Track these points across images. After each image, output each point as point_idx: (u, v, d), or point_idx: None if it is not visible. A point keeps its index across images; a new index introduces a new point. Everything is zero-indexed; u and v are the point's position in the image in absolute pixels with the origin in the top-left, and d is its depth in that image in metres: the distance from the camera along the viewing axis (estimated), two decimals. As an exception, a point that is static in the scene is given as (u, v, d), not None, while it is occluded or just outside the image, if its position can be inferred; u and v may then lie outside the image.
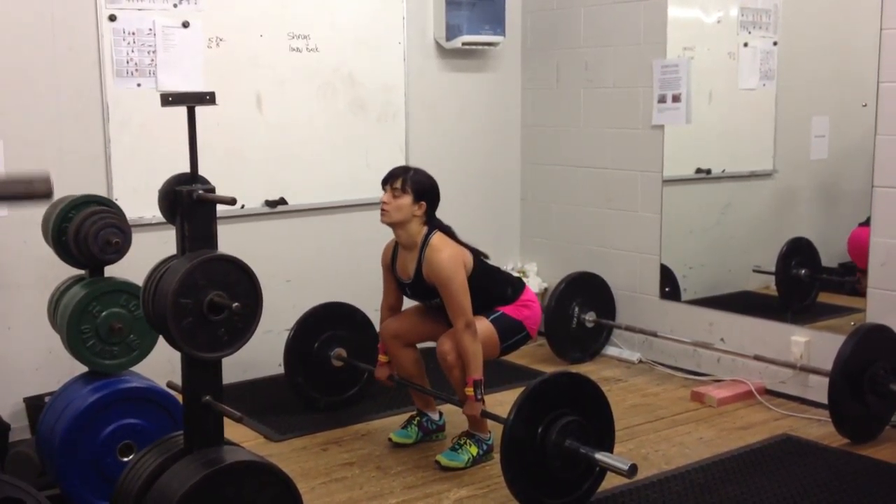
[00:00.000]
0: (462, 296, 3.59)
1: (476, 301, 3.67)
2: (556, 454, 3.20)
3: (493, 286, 3.83)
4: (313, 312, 4.36)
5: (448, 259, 3.61)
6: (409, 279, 3.77)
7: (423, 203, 3.68)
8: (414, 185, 3.67)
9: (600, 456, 3.21)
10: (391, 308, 3.97)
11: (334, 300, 4.47)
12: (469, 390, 3.61)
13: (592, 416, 3.34)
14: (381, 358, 4.04)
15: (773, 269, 5.07)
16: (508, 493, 3.49)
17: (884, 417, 4.04)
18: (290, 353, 4.31)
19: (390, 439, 3.99)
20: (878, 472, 3.65)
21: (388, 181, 3.70)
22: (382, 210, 3.69)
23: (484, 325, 3.71)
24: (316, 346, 4.33)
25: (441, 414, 4.07)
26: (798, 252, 5.02)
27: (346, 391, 4.42)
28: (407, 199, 3.65)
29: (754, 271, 5.30)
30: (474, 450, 3.74)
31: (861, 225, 4.51)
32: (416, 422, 4.03)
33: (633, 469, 3.14)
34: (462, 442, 3.75)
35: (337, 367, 4.34)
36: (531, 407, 3.24)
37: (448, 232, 3.75)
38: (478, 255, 3.78)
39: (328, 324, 4.36)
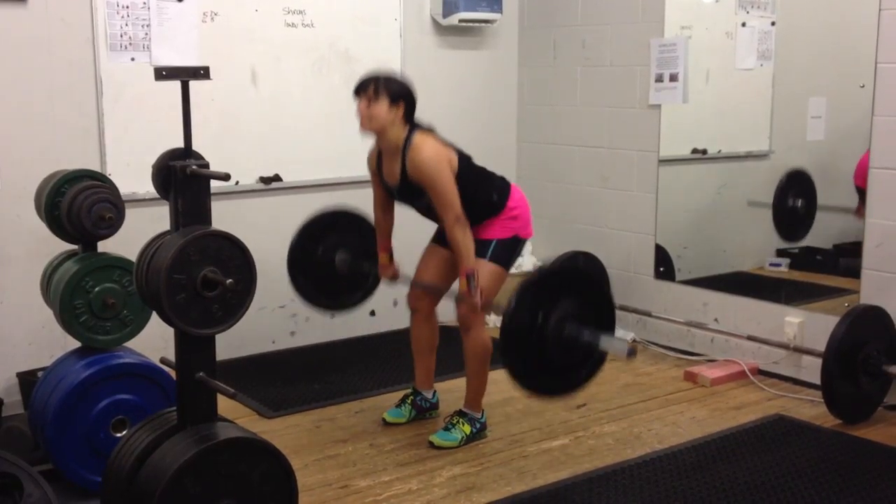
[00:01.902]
0: (449, 191, 3.54)
1: (465, 210, 3.61)
2: (556, 341, 3.09)
3: (479, 191, 3.70)
4: (319, 217, 4.21)
5: (431, 156, 3.54)
6: (395, 183, 3.70)
7: (401, 103, 3.60)
8: (387, 88, 3.58)
9: (601, 340, 3.10)
10: (382, 209, 3.93)
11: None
12: (463, 282, 3.57)
13: (593, 301, 3.21)
14: (382, 258, 3.98)
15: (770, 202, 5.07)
16: (502, 470, 3.51)
17: (876, 398, 4.05)
18: (294, 253, 4.18)
19: (384, 419, 3.99)
20: (870, 453, 3.67)
21: (359, 90, 3.62)
22: (361, 121, 3.62)
23: (486, 269, 3.66)
24: (320, 251, 4.17)
25: (435, 392, 4.07)
26: (797, 184, 4.97)
27: (351, 295, 4.28)
28: (383, 105, 3.57)
29: (749, 204, 5.27)
30: (467, 428, 3.74)
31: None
32: (409, 400, 4.03)
33: (632, 351, 3.11)
34: (455, 421, 3.76)
35: (341, 272, 4.18)
36: (532, 296, 3.12)
37: (430, 131, 3.67)
38: (462, 155, 3.70)
39: (333, 230, 4.21)
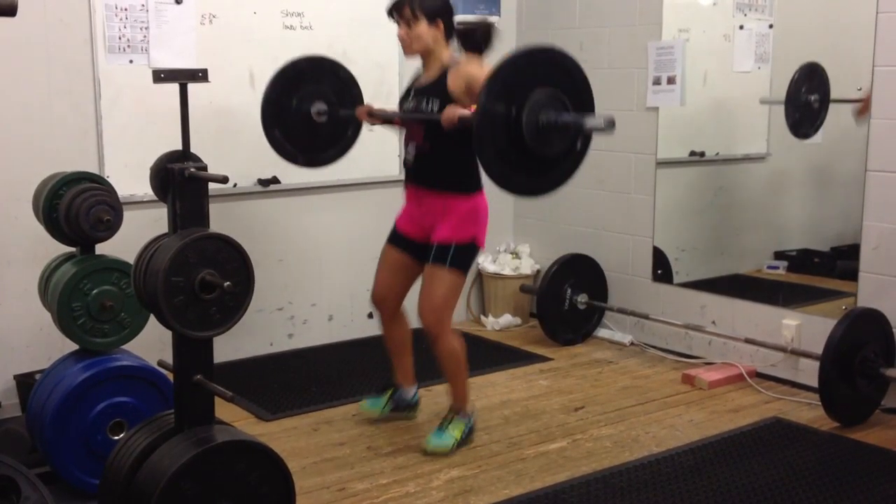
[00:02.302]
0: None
1: (445, 152, 3.57)
2: (532, 129, 2.98)
3: (469, 153, 3.45)
4: (294, 65, 4.06)
5: (482, 70, 3.44)
6: (428, 81, 3.62)
7: (440, 21, 3.56)
8: (423, 7, 3.54)
9: (585, 120, 3.03)
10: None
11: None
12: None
13: (567, 86, 3.10)
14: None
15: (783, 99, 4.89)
16: (500, 473, 3.51)
17: (874, 401, 4.05)
18: (268, 105, 4.01)
19: (359, 407, 4.02)
20: (867, 456, 3.67)
21: (393, 13, 3.57)
22: (403, 44, 3.58)
23: (445, 276, 3.62)
24: (295, 101, 4.03)
25: (416, 393, 4.06)
26: (810, 78, 4.84)
27: (327, 149, 4.14)
28: (423, 25, 3.54)
29: (761, 102, 5.20)
30: (458, 432, 3.72)
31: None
32: (388, 394, 4.04)
33: (611, 123, 2.98)
34: (448, 418, 3.74)
35: (318, 122, 4.07)
36: (500, 87, 2.98)
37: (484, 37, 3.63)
38: None
39: (310, 78, 4.08)
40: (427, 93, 3.61)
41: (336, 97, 4.10)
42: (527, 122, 2.96)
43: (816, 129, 4.85)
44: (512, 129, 2.99)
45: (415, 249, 3.78)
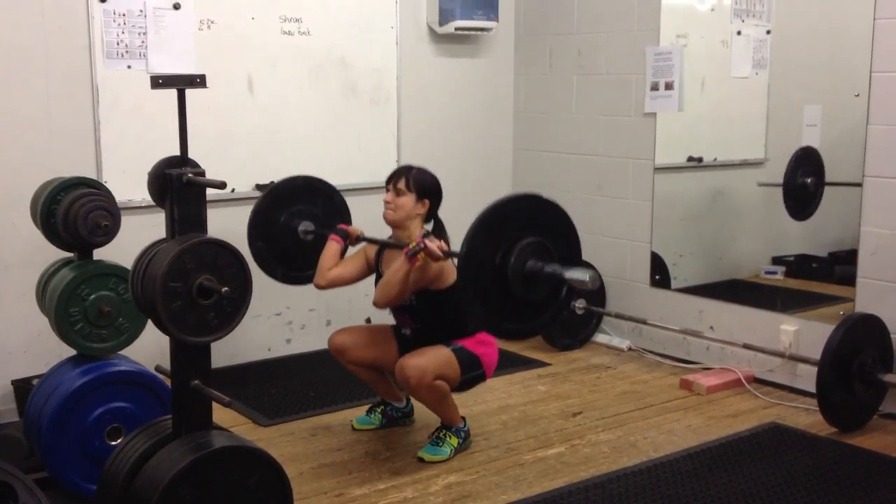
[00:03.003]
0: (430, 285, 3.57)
1: (438, 321, 3.66)
2: (518, 277, 2.97)
3: (460, 311, 3.53)
4: (289, 183, 4.07)
5: (439, 266, 3.55)
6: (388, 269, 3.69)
7: (427, 202, 3.68)
8: (417, 183, 3.66)
9: (570, 272, 2.99)
10: (339, 273, 3.79)
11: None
12: (404, 258, 3.47)
13: (555, 237, 3.11)
14: (334, 244, 3.84)
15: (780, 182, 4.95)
16: (498, 478, 3.51)
17: (871, 406, 4.05)
18: (257, 216, 3.99)
19: (352, 426, 3.99)
20: (865, 461, 3.67)
21: (391, 180, 3.70)
22: (386, 209, 3.68)
23: (444, 351, 3.61)
24: (283, 218, 4.01)
25: (408, 401, 4.05)
26: (805, 162, 4.89)
27: (307, 269, 4.04)
28: (410, 197, 3.65)
29: (759, 185, 5.23)
30: (455, 441, 3.71)
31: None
32: (379, 409, 4.03)
33: (595, 280, 2.97)
34: (442, 435, 3.73)
35: (304, 241, 4.04)
36: (485, 234, 2.98)
37: (441, 234, 3.68)
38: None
39: (303, 197, 4.07)
40: None
41: (326, 220, 4.07)
42: (513, 268, 2.97)
43: (813, 211, 4.93)
44: (497, 273, 2.99)
45: (406, 345, 3.76)
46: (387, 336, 3.89)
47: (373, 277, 3.85)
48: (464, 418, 3.81)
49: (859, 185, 4.22)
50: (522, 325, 3.14)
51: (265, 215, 4.01)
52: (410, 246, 3.46)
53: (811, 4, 5.02)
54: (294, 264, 4.08)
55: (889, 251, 4.11)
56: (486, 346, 3.72)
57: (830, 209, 5.10)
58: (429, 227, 3.75)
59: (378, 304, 3.59)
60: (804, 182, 4.87)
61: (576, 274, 3.00)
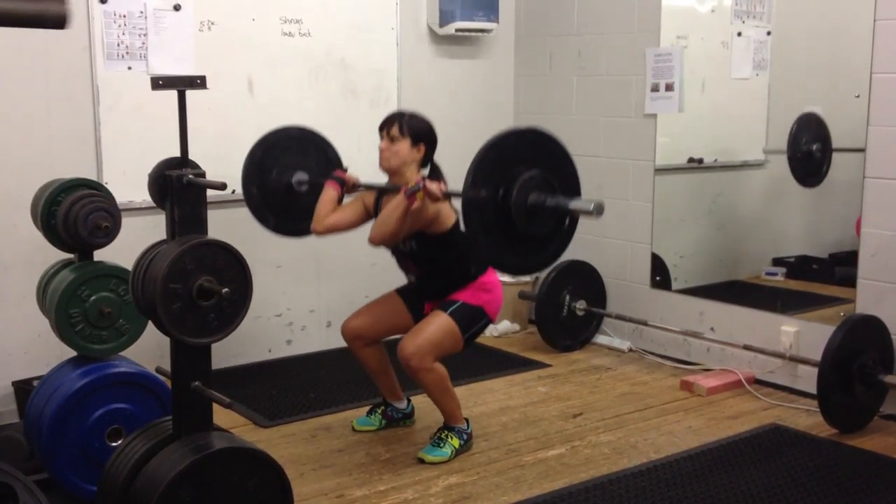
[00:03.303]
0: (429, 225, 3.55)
1: (441, 265, 3.66)
2: (521, 211, 2.99)
3: (462, 257, 3.70)
4: (283, 132, 4.06)
5: (436, 208, 3.54)
6: None
7: (422, 146, 3.64)
8: (411, 128, 3.63)
9: (573, 202, 3.04)
10: (337, 219, 3.78)
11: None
12: (403, 195, 3.45)
13: (554, 169, 3.13)
14: (331, 190, 3.82)
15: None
16: (498, 479, 3.51)
17: (872, 408, 4.05)
18: (251, 165, 4.02)
19: (353, 427, 3.99)
20: (865, 463, 3.67)
21: (384, 127, 3.66)
22: (381, 156, 3.64)
23: (443, 320, 3.63)
24: (277, 169, 4.04)
25: (409, 401, 4.06)
26: (808, 128, 4.85)
27: (301, 220, 4.04)
28: (405, 144, 3.62)
29: (765, 151, 5.20)
30: (456, 442, 3.71)
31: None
32: (380, 410, 4.03)
33: (600, 208, 2.99)
34: (444, 436, 3.73)
35: (298, 192, 4.04)
36: (487, 170, 2.99)
37: (438, 178, 3.65)
38: (459, 219, 3.67)
39: (297, 148, 4.07)
40: None
41: (319, 172, 4.05)
42: (515, 203, 2.99)
43: (822, 178, 4.88)
44: (500, 209, 3.01)
45: (417, 310, 3.79)
46: (394, 303, 3.88)
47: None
48: (467, 420, 3.81)
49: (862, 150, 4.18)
50: (528, 261, 3.16)
51: (259, 164, 4.01)
52: (409, 185, 3.44)
53: (811, 6, 5.02)
54: (288, 215, 4.07)
55: (889, 252, 4.10)
56: (489, 292, 3.72)
57: (831, 210, 5.10)
58: (425, 172, 3.71)
59: (374, 241, 3.55)
60: (809, 149, 4.82)
61: (579, 204, 3.02)
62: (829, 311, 4.56)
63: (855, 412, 4.00)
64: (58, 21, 2.08)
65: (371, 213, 3.80)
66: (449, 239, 3.64)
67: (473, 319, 3.69)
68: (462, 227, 3.41)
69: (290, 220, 4.10)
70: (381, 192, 3.79)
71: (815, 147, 4.81)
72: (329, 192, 3.80)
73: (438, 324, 3.62)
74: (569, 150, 3.23)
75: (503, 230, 3.03)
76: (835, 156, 4.85)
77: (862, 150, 4.20)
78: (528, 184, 3.01)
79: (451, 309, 3.66)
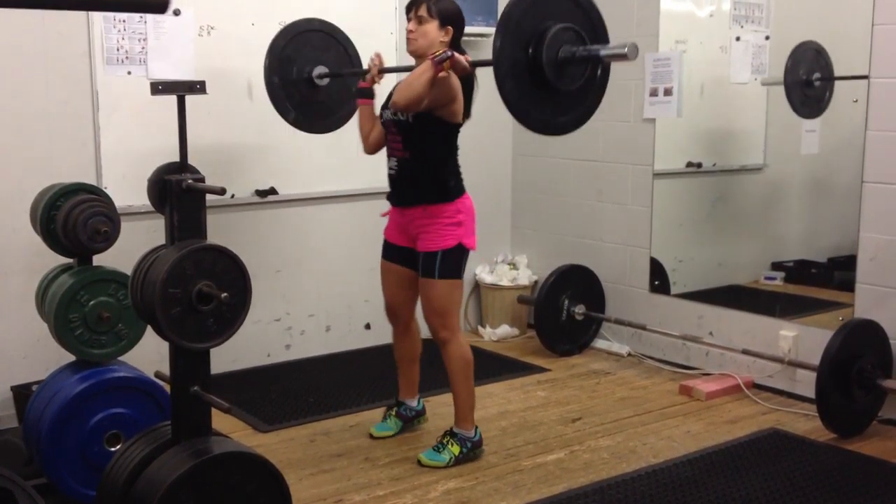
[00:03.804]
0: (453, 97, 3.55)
1: (427, 155, 3.64)
2: (553, 67, 2.95)
3: (448, 163, 3.69)
4: (306, 24, 4.14)
5: (456, 87, 3.54)
6: None
7: (450, 28, 3.61)
8: (439, 10, 3.59)
9: (603, 51, 3.01)
10: (374, 136, 3.83)
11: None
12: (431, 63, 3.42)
13: (581, 18, 3.09)
14: (364, 107, 3.87)
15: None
16: (497, 484, 3.51)
17: (871, 412, 4.05)
18: (272, 53, 4.08)
19: (371, 434, 3.98)
20: (864, 467, 3.67)
21: (411, 8, 3.64)
22: (409, 39, 3.63)
23: (439, 287, 3.63)
24: (298, 61, 4.12)
25: (420, 400, 4.07)
26: (804, 59, 4.80)
27: (322, 118, 4.15)
28: (433, 25, 3.58)
29: (763, 83, 5.15)
30: (456, 449, 3.70)
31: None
32: (394, 412, 4.03)
33: (634, 49, 2.96)
34: (445, 441, 3.72)
35: (318, 86, 4.13)
36: (513, 29, 2.96)
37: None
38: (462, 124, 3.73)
39: (318, 43, 4.14)
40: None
41: (336, 62, 4.14)
42: (546, 59, 2.95)
43: (822, 110, 4.82)
44: (531, 67, 2.98)
45: (408, 259, 3.79)
46: (390, 270, 3.87)
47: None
48: (476, 428, 3.78)
49: (866, 76, 4.13)
50: (568, 116, 3.14)
51: (280, 54, 4.07)
52: (437, 53, 3.41)
53: (810, 10, 5.03)
54: (308, 109, 4.13)
55: (888, 256, 4.11)
56: (460, 225, 3.68)
57: (829, 214, 5.11)
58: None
59: (398, 104, 3.48)
60: (809, 80, 4.77)
61: (612, 49, 2.99)
62: (828, 315, 4.57)
63: (853, 416, 4.00)
64: (159, 5, 2.10)
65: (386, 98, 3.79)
66: (446, 132, 3.63)
67: (458, 261, 3.69)
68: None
69: (310, 115, 4.17)
70: (405, 71, 3.77)
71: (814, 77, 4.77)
72: (363, 109, 3.85)
73: (438, 291, 3.65)
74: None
75: (537, 88, 3.00)
76: (832, 159, 4.87)
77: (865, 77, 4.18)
78: (557, 37, 2.96)
79: (437, 269, 3.64)
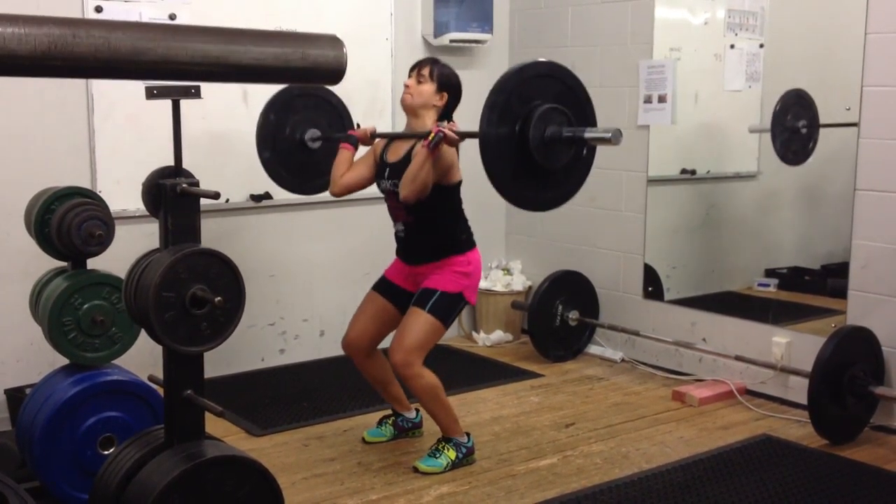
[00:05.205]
0: (447, 172, 3.59)
1: (433, 217, 3.66)
2: (539, 145, 3.02)
3: (458, 220, 3.76)
4: (286, 93, 4.14)
5: (451, 157, 3.59)
6: (397, 158, 3.71)
7: (446, 95, 3.68)
8: (440, 75, 3.69)
9: (587, 133, 3.08)
10: (351, 178, 3.81)
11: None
12: (425, 148, 3.49)
13: (569, 100, 3.15)
14: (345, 151, 3.87)
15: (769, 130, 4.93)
16: (490, 489, 3.51)
17: (862, 419, 4.07)
18: (261, 129, 4.12)
19: (363, 439, 3.99)
20: (856, 473, 3.68)
21: (415, 67, 3.73)
22: (405, 93, 3.70)
23: (424, 320, 3.62)
24: (289, 127, 4.14)
25: (418, 412, 4.07)
26: (793, 105, 4.86)
27: (317, 178, 4.17)
28: (431, 87, 3.67)
29: (751, 131, 5.23)
30: (452, 454, 3.71)
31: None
32: (390, 421, 4.03)
33: (617, 135, 3.04)
34: (440, 447, 3.73)
35: (312, 149, 4.16)
36: (503, 106, 3.01)
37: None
38: (461, 181, 3.75)
39: (302, 105, 4.17)
40: (400, 173, 3.63)
41: (328, 125, 4.18)
42: (532, 137, 3.01)
43: (808, 155, 4.88)
44: (517, 144, 3.04)
45: (401, 299, 3.79)
46: (376, 302, 3.86)
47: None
48: (468, 434, 3.79)
49: (855, 124, 4.18)
50: (550, 194, 3.23)
51: (269, 127, 4.11)
52: (430, 138, 3.46)
53: (804, 18, 5.05)
54: (304, 173, 4.18)
55: (880, 264, 4.13)
56: (468, 276, 3.72)
57: (823, 222, 5.12)
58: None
59: (408, 199, 3.54)
60: (795, 126, 4.83)
61: (596, 132, 3.08)
62: (821, 322, 4.58)
63: (846, 423, 4.01)
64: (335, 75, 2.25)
65: (377, 160, 3.82)
66: (450, 193, 3.68)
67: (453, 307, 3.70)
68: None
69: (307, 178, 4.21)
70: (390, 140, 3.84)
71: (801, 124, 4.83)
72: (343, 153, 3.86)
73: (420, 324, 3.62)
74: (583, 84, 3.24)
75: (522, 165, 3.06)
76: (825, 167, 4.89)
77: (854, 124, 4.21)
78: (544, 117, 3.03)
79: (430, 304, 3.65)
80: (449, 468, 3.69)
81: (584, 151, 3.21)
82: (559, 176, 3.19)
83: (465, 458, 3.74)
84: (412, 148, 3.65)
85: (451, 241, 3.74)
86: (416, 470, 3.68)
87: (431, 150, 3.46)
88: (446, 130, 3.45)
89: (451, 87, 3.72)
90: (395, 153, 3.75)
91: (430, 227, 3.71)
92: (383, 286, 3.88)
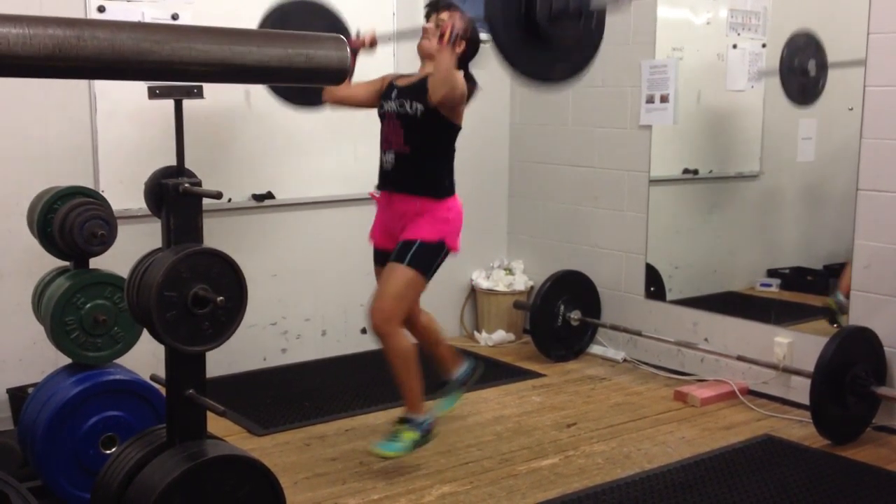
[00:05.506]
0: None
1: (426, 151, 3.67)
2: (547, 19, 3.08)
3: (446, 161, 3.74)
4: (281, 7, 4.14)
5: (464, 91, 3.57)
6: (409, 83, 3.71)
7: (463, 42, 3.63)
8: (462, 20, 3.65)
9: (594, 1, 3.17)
10: (349, 93, 3.88)
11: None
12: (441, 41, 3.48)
13: None
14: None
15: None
16: (492, 489, 3.51)
17: (864, 419, 4.06)
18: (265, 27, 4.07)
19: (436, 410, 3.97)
20: (858, 474, 3.68)
21: (434, 9, 3.70)
22: (423, 37, 3.67)
23: (402, 273, 3.59)
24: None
25: (465, 365, 4.14)
26: (799, 49, 4.86)
27: (312, 91, 4.13)
28: None
29: (758, 73, 5.20)
30: (411, 434, 3.65)
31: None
32: (447, 388, 4.09)
33: None
34: (396, 430, 3.67)
35: None
36: None
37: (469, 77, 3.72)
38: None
39: (298, 21, 4.13)
40: (409, 94, 3.66)
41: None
42: (539, 13, 3.06)
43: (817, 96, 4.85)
44: (525, 22, 3.09)
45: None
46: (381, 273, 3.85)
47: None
48: (430, 412, 3.76)
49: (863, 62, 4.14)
50: (567, 65, 3.27)
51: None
52: (447, 35, 3.42)
53: (806, 18, 5.05)
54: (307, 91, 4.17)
55: (882, 264, 4.12)
56: (448, 222, 3.69)
57: (826, 222, 5.12)
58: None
59: (444, 98, 3.52)
60: (803, 67, 4.81)
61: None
62: (823, 322, 4.58)
63: (847, 423, 4.01)
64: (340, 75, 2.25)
65: (383, 87, 3.82)
66: (450, 131, 3.67)
67: (434, 257, 3.66)
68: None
69: (300, 90, 4.20)
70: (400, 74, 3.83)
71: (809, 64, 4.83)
72: None
73: (399, 278, 3.60)
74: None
75: (533, 43, 3.10)
76: (828, 167, 4.89)
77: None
78: None
79: (409, 256, 3.61)
80: (411, 448, 3.65)
81: (594, 22, 3.23)
82: (573, 48, 3.24)
83: (425, 436, 3.70)
84: (424, 79, 3.64)
85: (435, 182, 3.70)
86: (377, 455, 3.62)
87: (452, 44, 3.43)
88: (455, 20, 3.45)
89: (469, 37, 3.67)
90: (407, 80, 3.76)
91: (421, 160, 3.68)
92: (378, 257, 3.88)
